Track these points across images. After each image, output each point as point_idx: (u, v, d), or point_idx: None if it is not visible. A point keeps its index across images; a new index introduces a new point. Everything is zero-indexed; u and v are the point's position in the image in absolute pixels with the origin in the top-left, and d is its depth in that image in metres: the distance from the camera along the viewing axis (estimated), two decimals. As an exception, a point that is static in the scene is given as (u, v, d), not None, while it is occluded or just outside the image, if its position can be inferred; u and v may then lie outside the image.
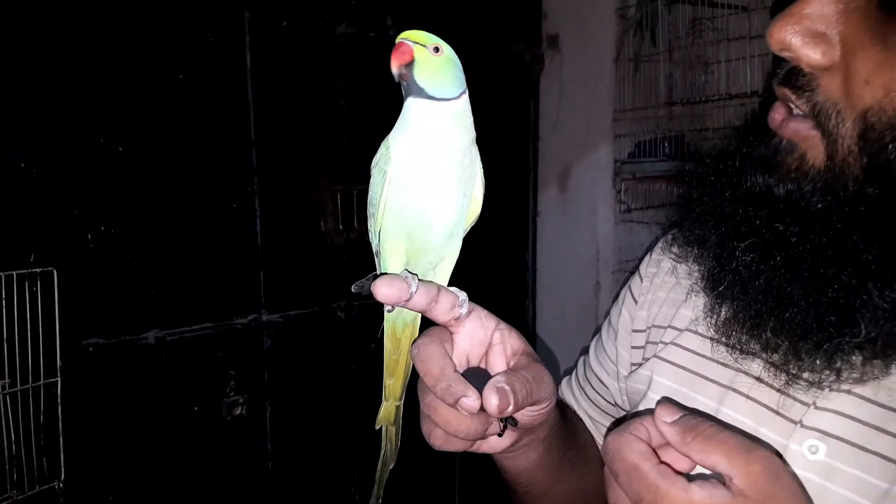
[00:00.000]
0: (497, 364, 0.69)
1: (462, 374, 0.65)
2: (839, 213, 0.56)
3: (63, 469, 1.42)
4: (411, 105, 0.67)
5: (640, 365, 0.82)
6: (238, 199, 1.76)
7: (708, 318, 0.69)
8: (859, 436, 0.59)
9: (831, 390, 0.61)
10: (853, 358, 0.57)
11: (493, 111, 2.24)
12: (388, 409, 0.76)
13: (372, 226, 0.72)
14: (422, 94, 0.66)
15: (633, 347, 0.87)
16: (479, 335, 0.69)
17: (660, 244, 0.90)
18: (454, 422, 0.63)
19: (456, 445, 0.66)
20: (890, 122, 0.53)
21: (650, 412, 0.59)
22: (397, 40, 0.66)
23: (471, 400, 0.60)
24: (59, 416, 1.40)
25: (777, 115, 0.61)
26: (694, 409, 0.70)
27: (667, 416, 0.56)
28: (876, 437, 0.58)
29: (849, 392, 0.61)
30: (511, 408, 0.61)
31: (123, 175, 1.59)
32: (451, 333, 0.69)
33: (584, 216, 2.33)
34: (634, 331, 0.87)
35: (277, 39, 1.79)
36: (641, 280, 0.89)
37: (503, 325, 0.70)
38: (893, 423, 0.58)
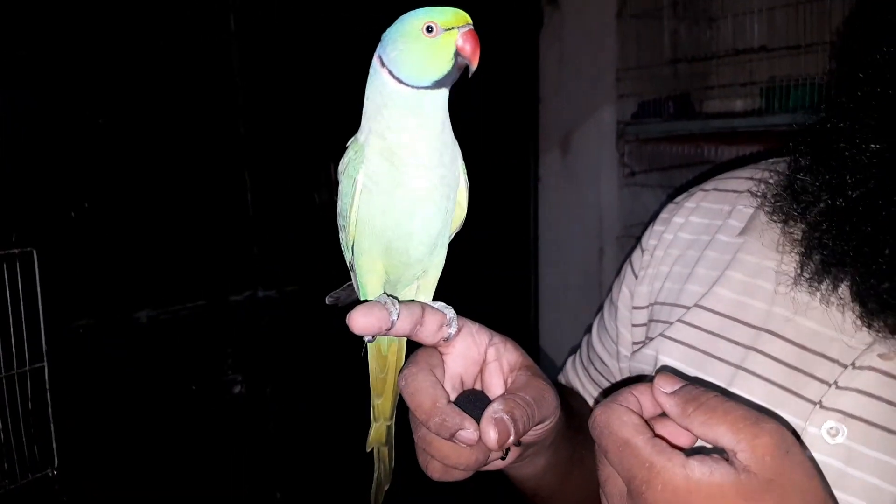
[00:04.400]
0: (494, 383, 0.62)
1: (457, 401, 0.58)
2: None
3: (56, 456, 1.39)
4: (388, 93, 0.57)
5: (644, 344, 0.77)
6: (227, 171, 1.70)
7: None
8: (883, 416, 0.55)
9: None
10: None
11: (492, 73, 2.16)
12: (379, 429, 0.70)
13: (343, 239, 0.63)
14: (401, 81, 0.56)
15: (633, 326, 0.82)
16: (472, 354, 0.62)
17: (663, 213, 0.85)
18: (452, 455, 0.58)
19: (456, 476, 0.60)
20: None
21: (643, 381, 0.54)
22: (467, 27, 0.55)
23: (469, 432, 0.54)
24: (49, 401, 1.36)
25: None
26: (697, 379, 0.65)
27: (666, 386, 0.51)
28: None
29: (873, 369, 0.57)
30: (512, 438, 0.55)
31: (106, 149, 1.52)
32: (442, 355, 0.62)
33: (586, 181, 2.27)
34: (635, 308, 0.82)
35: (263, 3, 1.72)
36: (642, 253, 0.84)
37: (497, 339, 0.64)
38: None
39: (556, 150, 2.37)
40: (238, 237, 1.74)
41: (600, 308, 0.93)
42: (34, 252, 1.32)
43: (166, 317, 1.63)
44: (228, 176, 1.71)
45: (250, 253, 1.76)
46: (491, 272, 2.23)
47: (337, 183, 0.62)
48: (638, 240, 0.87)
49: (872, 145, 0.56)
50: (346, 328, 0.58)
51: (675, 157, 2.00)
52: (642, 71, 2.04)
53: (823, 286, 0.60)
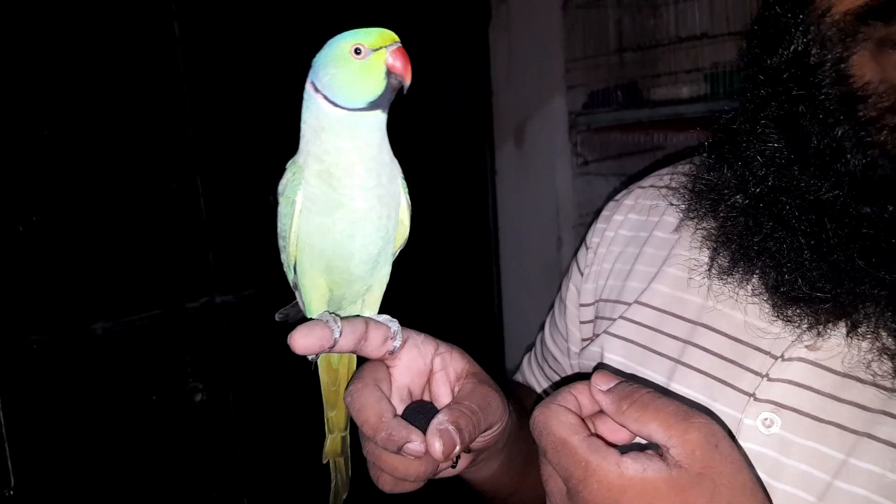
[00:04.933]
0: (441, 393, 0.64)
1: (404, 413, 0.60)
2: None
3: (12, 476, 1.36)
4: (324, 116, 0.57)
5: (591, 341, 0.78)
6: (177, 176, 1.68)
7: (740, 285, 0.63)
8: (814, 405, 0.57)
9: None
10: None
11: (444, 68, 2.17)
12: (334, 441, 0.72)
13: (284, 259, 0.64)
14: (336, 104, 0.57)
15: (581, 322, 0.84)
16: (418, 364, 0.64)
17: (604, 211, 0.86)
18: (401, 468, 0.59)
19: (407, 487, 0.62)
20: None
21: (581, 379, 0.55)
22: (395, 45, 0.56)
23: (415, 445, 0.56)
24: (2, 420, 1.33)
25: None
26: (634, 377, 0.67)
27: (602, 384, 0.53)
28: (830, 406, 0.56)
29: (801, 360, 0.59)
30: (458, 448, 0.56)
31: (52, 160, 1.48)
32: (388, 367, 0.63)
33: (542, 171, 2.29)
34: (582, 305, 0.84)
35: (206, 9, 1.69)
36: (587, 250, 0.85)
37: (443, 348, 0.65)
38: (848, 389, 0.56)
39: (510, 143, 2.39)
40: (192, 243, 1.72)
41: (552, 306, 0.94)
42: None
43: (121, 328, 1.60)
44: (180, 182, 1.68)
45: (205, 259, 1.74)
46: (453, 265, 2.24)
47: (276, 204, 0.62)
48: (583, 237, 0.89)
49: (770, 144, 0.58)
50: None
51: (626, 145, 2.04)
52: (590, 61, 2.07)
53: (734, 280, 0.62)
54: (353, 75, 0.56)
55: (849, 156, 0.53)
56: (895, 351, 0.54)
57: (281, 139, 1.88)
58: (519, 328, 2.50)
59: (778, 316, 0.59)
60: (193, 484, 1.76)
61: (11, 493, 1.33)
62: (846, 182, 0.53)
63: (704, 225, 0.67)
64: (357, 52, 0.56)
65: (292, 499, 1.93)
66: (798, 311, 0.58)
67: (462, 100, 2.29)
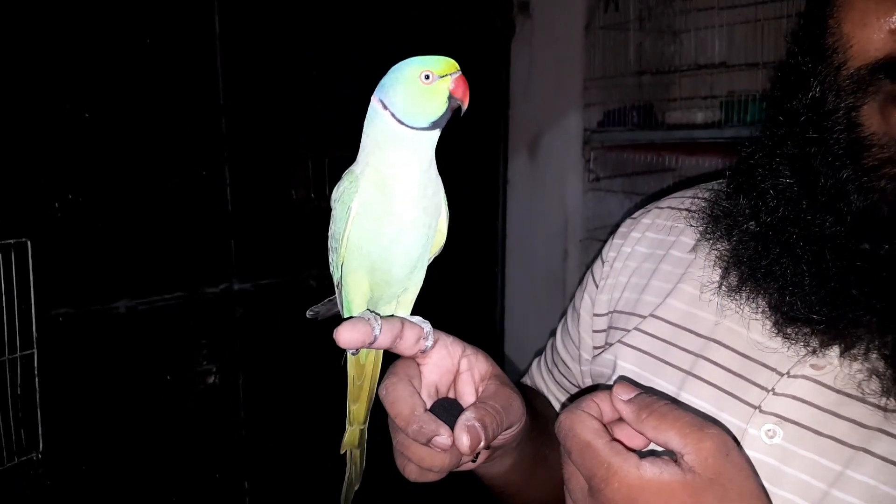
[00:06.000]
0: (466, 392, 0.69)
1: (432, 408, 0.65)
2: None
3: (41, 440, 1.42)
4: (389, 132, 0.63)
5: (604, 349, 0.83)
6: (207, 166, 1.74)
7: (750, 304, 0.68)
8: (815, 420, 0.61)
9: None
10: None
11: (466, 77, 2.22)
12: (353, 433, 0.76)
13: (333, 259, 0.69)
14: (402, 122, 0.63)
15: (594, 331, 0.88)
16: (447, 364, 0.69)
17: (622, 228, 0.91)
18: (428, 458, 0.64)
19: (430, 477, 0.67)
20: None
21: (603, 389, 0.61)
22: (457, 73, 0.63)
23: (443, 438, 0.60)
24: (37, 387, 1.38)
25: None
26: (651, 389, 0.72)
27: (623, 394, 0.58)
28: (830, 421, 0.61)
29: (805, 377, 0.63)
30: (483, 443, 0.61)
31: (91, 143, 1.55)
32: (419, 365, 0.68)
33: (553, 184, 2.35)
34: (596, 315, 0.88)
35: (247, 5, 1.75)
36: (603, 264, 0.90)
37: (469, 350, 0.70)
38: (847, 407, 0.60)
39: (524, 154, 2.44)
40: (216, 231, 1.77)
41: (564, 314, 0.99)
42: (28, 243, 1.35)
43: (144, 307, 1.66)
44: (209, 171, 1.74)
45: (227, 247, 1.80)
46: (460, 270, 2.29)
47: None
48: (599, 251, 0.94)
49: (783, 179, 0.64)
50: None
51: (637, 165, 2.09)
52: (608, 81, 2.13)
53: (741, 298, 0.68)
54: (421, 98, 0.63)
55: (852, 197, 0.58)
56: (884, 372, 0.59)
57: (303, 141, 1.94)
58: (519, 334, 2.54)
59: (778, 333, 0.64)
60: (198, 462, 1.81)
61: (39, 456, 1.38)
62: (848, 220, 0.59)
63: (718, 247, 0.72)
64: (426, 77, 0.62)
65: (292, 486, 1.98)
66: (796, 329, 0.63)
67: (480, 109, 2.34)
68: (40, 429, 1.40)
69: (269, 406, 1.91)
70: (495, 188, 2.50)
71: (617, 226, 0.94)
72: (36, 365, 1.40)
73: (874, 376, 0.59)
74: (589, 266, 0.95)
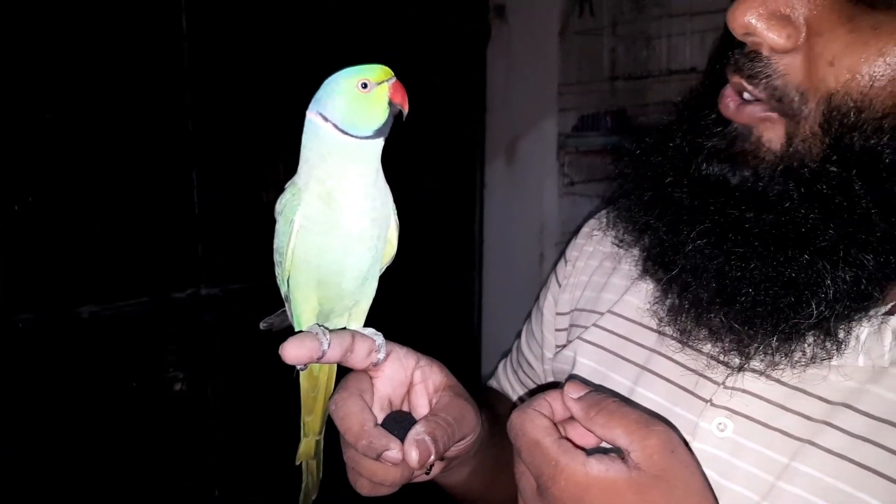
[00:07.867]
0: (419, 404, 0.69)
1: (384, 422, 0.64)
2: (798, 193, 0.56)
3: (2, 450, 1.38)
4: (333, 144, 0.63)
5: (565, 346, 0.83)
6: (174, 167, 1.71)
7: (656, 305, 0.70)
8: (764, 413, 0.62)
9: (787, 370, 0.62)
10: (806, 340, 0.59)
11: (441, 82, 2.22)
12: (308, 444, 0.76)
13: (279, 273, 0.69)
14: (345, 132, 0.63)
15: (557, 330, 0.89)
16: (400, 376, 0.68)
17: (584, 228, 0.92)
18: (379, 473, 0.64)
19: (383, 491, 0.67)
20: (856, 104, 0.53)
21: (555, 387, 0.61)
22: (393, 79, 0.63)
23: (393, 453, 0.60)
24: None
25: (730, 101, 0.61)
26: (602, 387, 0.73)
27: (573, 392, 0.58)
28: (779, 415, 0.61)
29: (755, 371, 0.64)
30: (433, 458, 0.61)
31: (52, 143, 1.52)
32: (371, 378, 0.68)
33: (529, 189, 2.35)
34: (558, 314, 0.89)
35: (215, 5, 1.74)
36: (566, 263, 0.91)
37: (424, 362, 0.70)
38: (796, 401, 0.61)
39: (501, 159, 2.44)
40: (183, 235, 1.75)
41: (529, 315, 0.99)
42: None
43: (109, 313, 1.63)
44: (175, 174, 1.71)
45: (194, 251, 1.77)
46: (437, 274, 2.28)
47: (273, 220, 0.67)
48: (563, 251, 0.94)
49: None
50: (287, 337, 0.62)
51: (611, 169, 2.09)
52: (583, 86, 2.13)
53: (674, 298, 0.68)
54: (362, 106, 0.62)
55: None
56: (807, 363, 0.59)
57: (275, 142, 1.93)
58: (496, 337, 2.54)
59: (714, 340, 0.65)
60: (167, 471, 1.78)
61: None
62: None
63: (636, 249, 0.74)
64: (363, 86, 0.62)
65: (262, 494, 1.96)
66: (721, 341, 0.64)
67: (456, 114, 2.35)
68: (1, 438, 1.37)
69: (237, 415, 1.89)
70: (472, 192, 2.49)
71: (580, 226, 0.94)
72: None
73: (809, 368, 0.60)
74: (553, 266, 0.95)
